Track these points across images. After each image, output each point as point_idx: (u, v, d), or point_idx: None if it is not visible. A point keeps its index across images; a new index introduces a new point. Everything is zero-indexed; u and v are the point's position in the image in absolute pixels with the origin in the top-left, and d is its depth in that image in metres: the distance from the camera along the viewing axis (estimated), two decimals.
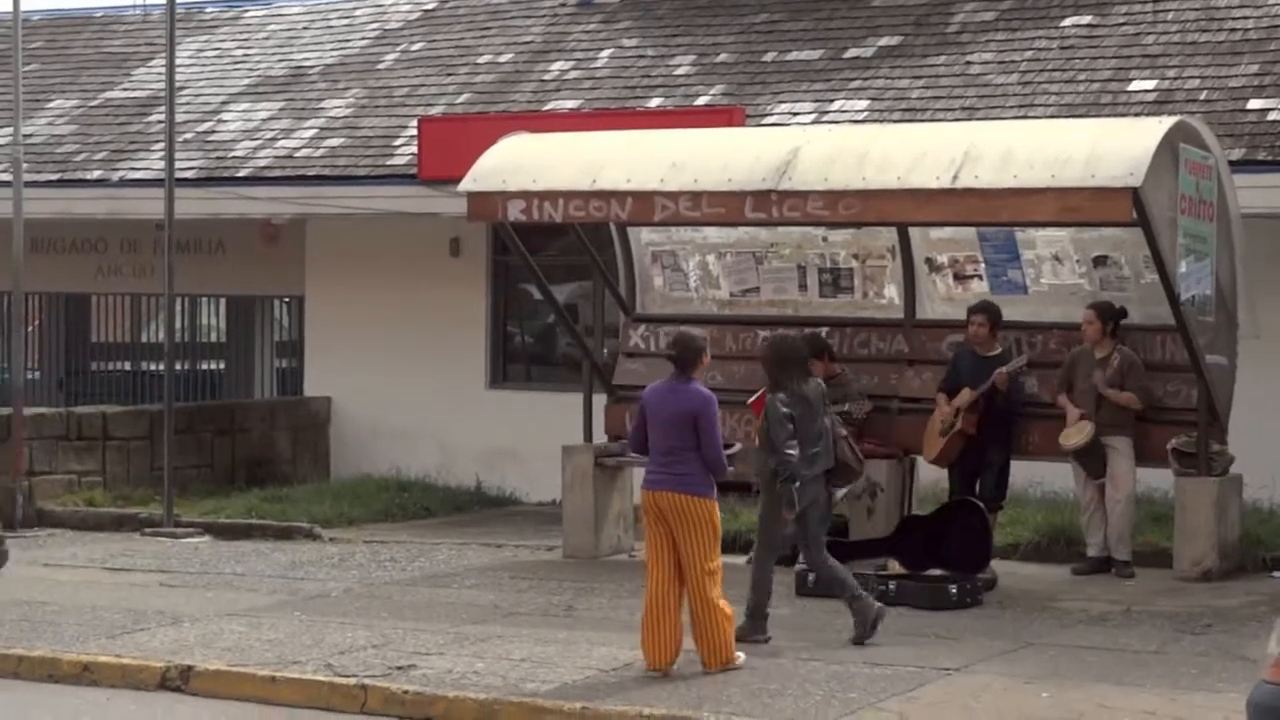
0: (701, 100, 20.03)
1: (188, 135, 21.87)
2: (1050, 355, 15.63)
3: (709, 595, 11.50)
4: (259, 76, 23.58)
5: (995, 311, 15.47)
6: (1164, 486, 15.90)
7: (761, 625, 12.43)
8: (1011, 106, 18.52)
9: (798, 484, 12.16)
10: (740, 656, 11.59)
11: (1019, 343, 15.62)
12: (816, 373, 15.81)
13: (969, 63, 19.53)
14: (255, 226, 22.14)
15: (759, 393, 12.89)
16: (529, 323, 22.19)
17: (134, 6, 26.46)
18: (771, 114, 19.38)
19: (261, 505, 19.08)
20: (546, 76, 21.47)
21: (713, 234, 16.96)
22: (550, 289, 17.69)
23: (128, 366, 24.45)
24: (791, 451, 12.15)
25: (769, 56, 20.59)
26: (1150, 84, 18.31)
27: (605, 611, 13.70)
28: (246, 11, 25.72)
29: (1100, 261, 15.75)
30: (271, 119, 22.31)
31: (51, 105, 24.07)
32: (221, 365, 24.33)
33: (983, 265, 16.17)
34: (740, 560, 14.44)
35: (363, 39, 23.83)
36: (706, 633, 11.49)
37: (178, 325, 21.21)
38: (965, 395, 15.30)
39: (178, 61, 20.06)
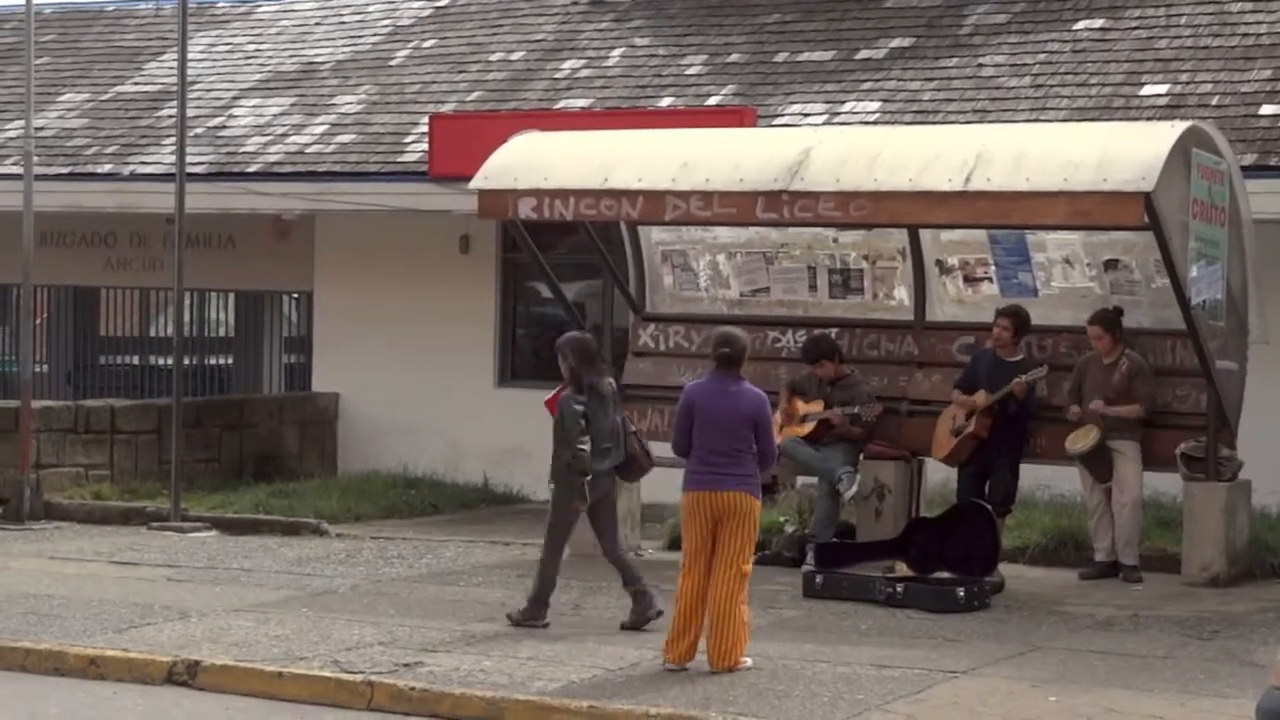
0: (713, 100, 20.02)
1: (198, 130, 21.88)
2: (1060, 358, 15.61)
3: (736, 597, 11.51)
4: (270, 72, 23.59)
5: (1022, 317, 15.41)
6: (1172, 491, 15.88)
7: (542, 611, 12.95)
8: (1023, 109, 18.51)
9: (589, 477, 12.70)
10: (747, 660, 11.58)
11: (1029, 346, 15.59)
12: (825, 374, 15.92)
13: (981, 65, 19.52)
14: (265, 222, 22.14)
15: (555, 390, 13.37)
16: (538, 321, 22.17)
17: (146, 0, 26.47)
18: (783, 115, 19.37)
19: (269, 500, 19.08)
20: (558, 75, 21.46)
21: (723, 234, 16.95)
22: (560, 287, 17.68)
23: (136, 360, 24.46)
24: (583, 446, 12.69)
25: (781, 57, 20.58)
26: (1162, 88, 18.30)
27: (612, 611, 13.67)
28: (259, 7, 25.73)
29: (1111, 265, 15.74)
30: (283, 115, 22.31)
31: (62, 99, 24.07)
32: (230, 360, 24.34)
33: (993, 268, 16.16)
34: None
35: (375, 35, 23.83)
36: (723, 633, 11.48)
37: (186, 320, 21.21)
38: (981, 398, 15.28)
39: (189, 56, 20.06)
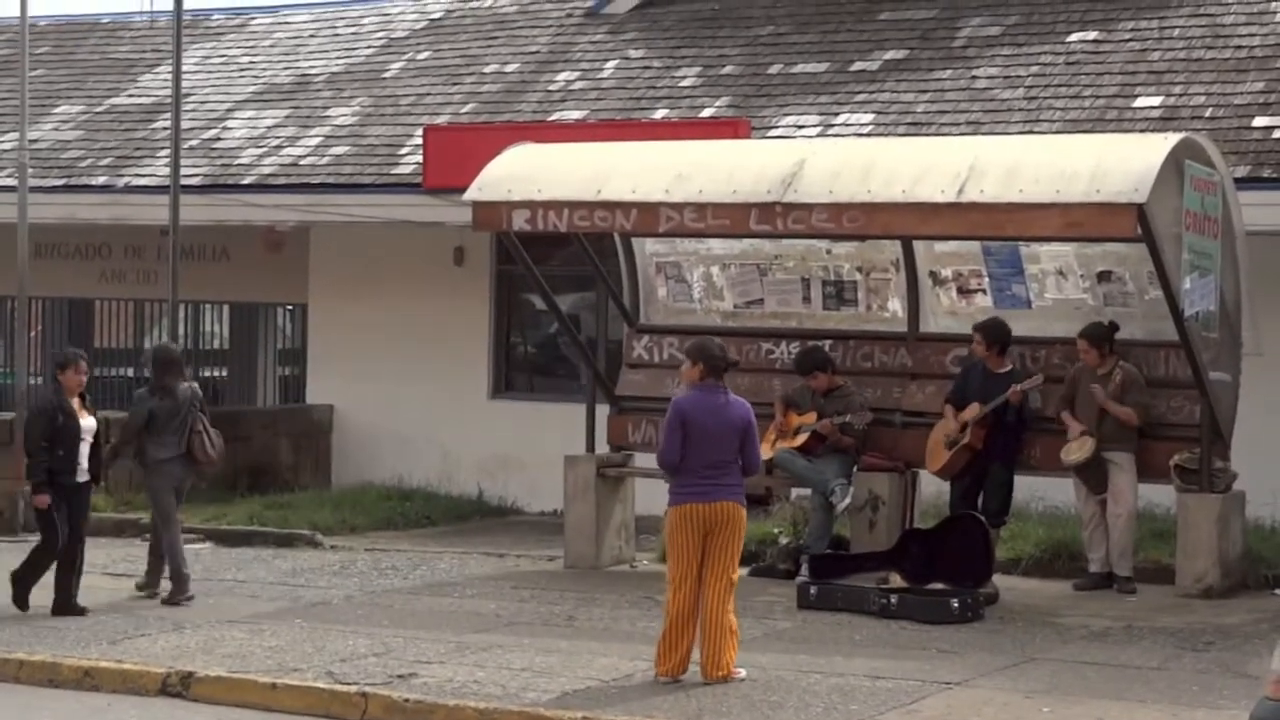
0: (707, 112, 20.04)
1: (193, 142, 21.89)
2: (1053, 370, 15.60)
3: (725, 606, 11.51)
4: (265, 84, 23.60)
5: (994, 331, 15.34)
6: (1166, 502, 15.88)
7: (185, 585, 14.64)
8: (1017, 121, 18.53)
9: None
10: (740, 671, 11.58)
11: (1023, 358, 15.61)
12: (818, 386, 15.91)
13: (975, 77, 19.54)
14: (259, 234, 22.15)
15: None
16: (532, 332, 22.19)
17: (141, 13, 26.50)
18: (777, 126, 19.39)
19: (263, 512, 19.08)
20: (552, 87, 21.48)
21: (717, 245, 16.94)
22: (554, 299, 17.68)
23: (130, 372, 24.45)
24: (121, 440, 15.15)
25: (775, 69, 20.61)
26: (1156, 100, 18.32)
27: (606, 622, 13.70)
28: (253, 19, 25.77)
29: (1104, 277, 15.74)
30: (277, 127, 22.32)
31: (57, 111, 24.08)
32: (224, 372, 24.34)
33: (986, 279, 16.15)
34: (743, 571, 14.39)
35: (369, 48, 23.85)
36: (714, 642, 11.48)
37: (181, 332, 21.21)
38: (974, 409, 15.27)
39: (184, 68, 20.08)
